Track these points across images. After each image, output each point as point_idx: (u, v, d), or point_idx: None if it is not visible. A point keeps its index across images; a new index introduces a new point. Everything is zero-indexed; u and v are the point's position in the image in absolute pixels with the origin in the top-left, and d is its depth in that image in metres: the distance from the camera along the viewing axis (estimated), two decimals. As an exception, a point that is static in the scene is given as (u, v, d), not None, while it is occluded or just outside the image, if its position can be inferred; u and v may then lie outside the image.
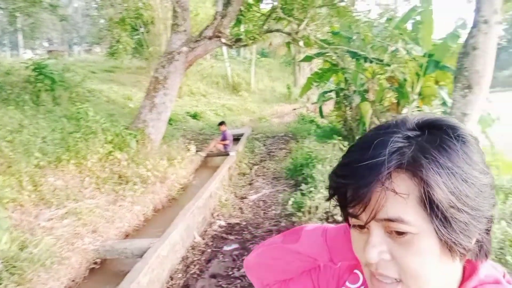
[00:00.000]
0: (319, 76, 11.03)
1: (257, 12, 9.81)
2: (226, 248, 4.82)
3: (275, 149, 10.80)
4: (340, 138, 7.92)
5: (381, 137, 0.53)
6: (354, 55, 8.37)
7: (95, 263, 4.24)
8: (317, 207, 4.81)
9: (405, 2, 18.49)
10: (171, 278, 4.05)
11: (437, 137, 0.51)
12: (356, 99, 8.95)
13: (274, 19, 9.12)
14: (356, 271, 0.74)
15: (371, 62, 8.03)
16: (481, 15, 4.74)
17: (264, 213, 5.95)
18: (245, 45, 8.41)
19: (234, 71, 24.38)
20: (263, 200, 6.52)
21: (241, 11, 8.55)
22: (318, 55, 10.31)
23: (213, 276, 4.12)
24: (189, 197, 6.10)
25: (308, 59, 12.02)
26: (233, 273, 4.14)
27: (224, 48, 20.27)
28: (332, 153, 7.08)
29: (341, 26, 9.60)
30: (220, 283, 3.96)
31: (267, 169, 8.61)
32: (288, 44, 11.11)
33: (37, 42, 31.42)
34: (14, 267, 3.50)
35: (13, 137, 5.50)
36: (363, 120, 9.25)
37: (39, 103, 7.63)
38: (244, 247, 4.79)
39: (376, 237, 0.53)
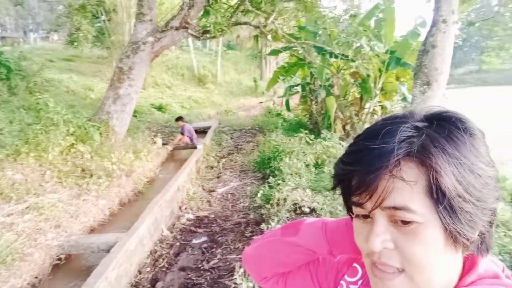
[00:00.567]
0: (286, 70, 11.17)
1: (225, 3, 9.74)
2: (195, 241, 4.82)
3: (243, 142, 10.83)
4: (306, 131, 8.08)
5: (389, 126, 0.53)
6: (320, 50, 8.54)
7: (59, 259, 4.10)
8: (285, 199, 4.91)
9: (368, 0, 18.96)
10: (140, 272, 4.00)
11: (445, 128, 0.52)
12: (322, 94, 9.15)
13: (242, 12, 9.09)
14: (355, 264, 0.74)
15: (336, 57, 8.23)
16: (440, 15, 4.99)
17: (232, 206, 5.99)
18: (213, 37, 8.33)
19: (200, 63, 24.10)
20: (231, 193, 6.55)
21: (208, 2, 8.44)
22: (285, 49, 10.42)
23: (182, 269, 4.12)
24: (156, 190, 6.02)
25: (274, 52, 12.12)
26: (202, 266, 4.15)
27: (190, 39, 19.94)
28: (299, 146, 7.21)
29: (307, 21, 9.75)
30: (190, 275, 3.96)
31: (234, 162, 8.63)
32: (256, 37, 11.13)
33: (-12, 27, 29.44)
34: (-28, 265, 3.33)
35: (-35, 129, 5.19)
36: (328, 114, 9.49)
37: (-7, 93, 7.21)
38: (213, 239, 4.81)
39: (380, 226, 0.53)
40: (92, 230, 4.89)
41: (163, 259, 4.30)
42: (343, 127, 9.46)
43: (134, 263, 4.01)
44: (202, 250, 4.53)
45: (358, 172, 0.53)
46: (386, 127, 0.53)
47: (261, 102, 19.65)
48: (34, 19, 34.38)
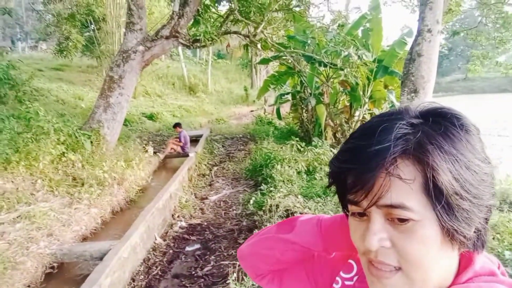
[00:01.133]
0: (276, 79, 11.29)
1: (215, 13, 9.85)
2: (188, 248, 4.83)
3: (234, 150, 10.88)
4: (297, 139, 8.17)
5: (385, 123, 0.53)
6: (309, 59, 8.68)
7: (52, 267, 4.06)
8: (277, 206, 4.96)
9: (355, 10, 19.33)
10: (133, 280, 3.99)
11: (441, 125, 0.51)
12: (312, 102, 9.27)
13: (231, 21, 9.21)
14: (350, 261, 0.73)
15: (325, 66, 8.37)
16: (425, 24, 5.15)
17: (225, 213, 6.01)
18: (203, 46, 8.42)
19: (191, 72, 24.17)
20: (224, 201, 6.58)
21: (198, 11, 8.54)
22: (274, 58, 10.56)
23: (176, 276, 4.13)
24: (148, 199, 6.01)
25: (264, 61, 12.26)
26: (196, 273, 4.16)
27: (180, 48, 20.04)
28: (290, 154, 7.29)
29: (296, 30, 9.92)
30: (184, 282, 3.97)
31: (226, 170, 8.67)
32: (245, 46, 11.25)
33: (-26, 36, 29.13)
34: (-37, 274, 3.29)
35: (-45, 138, 5.13)
36: (319, 121, 9.60)
37: (-18, 102, 7.15)
38: (206, 247, 4.82)
39: (376, 224, 0.53)
40: (84, 239, 4.86)
41: (157, 267, 4.30)
42: (334, 134, 9.58)
43: (128, 271, 4.00)
44: (195, 257, 4.54)
45: (354, 170, 0.53)
46: (382, 124, 0.53)
47: (252, 111, 19.76)
48: (22, 28, 34.13)
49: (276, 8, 9.00)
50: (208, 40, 8.03)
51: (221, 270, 4.14)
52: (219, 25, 8.96)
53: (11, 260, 3.70)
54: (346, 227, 0.61)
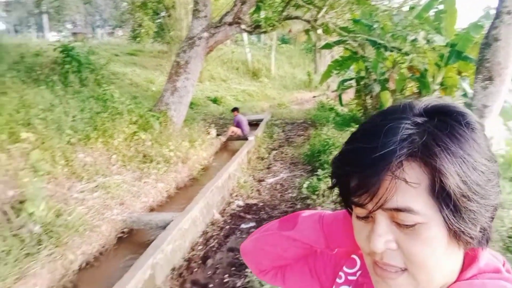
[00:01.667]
0: (339, 64, 11.05)
1: (276, -1, 9.86)
2: (243, 225, 5.08)
3: (294, 135, 10.95)
4: (358, 126, 8.00)
5: (389, 123, 0.51)
6: (374, 43, 8.39)
7: (123, 232, 4.60)
8: (331, 191, 4.99)
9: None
10: (192, 249, 4.35)
11: (447, 124, 0.50)
12: (376, 88, 8.99)
13: (293, 6, 9.16)
14: (353, 256, 0.73)
15: (391, 51, 8.04)
16: (504, 6, 4.74)
17: (280, 195, 6.17)
18: (264, 32, 8.53)
19: (255, 57, 24.41)
20: (280, 184, 6.73)
21: (260, -3, 8.64)
22: (337, 42, 10.32)
23: (231, 250, 4.39)
24: (209, 177, 6.37)
25: (327, 46, 12.03)
26: (249, 248, 4.39)
27: (245, 34, 20.34)
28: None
29: (362, 14, 9.59)
30: (237, 256, 4.22)
31: (285, 154, 8.79)
32: (307, 31, 11.13)
33: (61, 24, 32.09)
34: (51, 231, 3.85)
35: (45, 115, 5.83)
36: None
37: (67, 84, 7.95)
38: (260, 225, 5.02)
39: (382, 226, 0.52)
40: (151, 209, 5.36)
41: (214, 240, 4.61)
42: (398, 122, 9.21)
43: (188, 241, 4.35)
44: (249, 235, 4.76)
45: (358, 173, 0.52)
46: (386, 125, 0.51)
47: (314, 96, 19.52)
48: (101, 16, 36.84)
49: (339, -9, 8.79)
50: (269, 26, 8.11)
51: (273, 248, 4.32)
52: (281, 10, 8.97)
53: (89, 223, 4.24)
54: (349, 224, 0.61)
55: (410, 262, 0.51)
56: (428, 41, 7.29)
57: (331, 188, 0.60)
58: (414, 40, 7.24)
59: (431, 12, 8.57)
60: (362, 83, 10.44)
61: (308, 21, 8.95)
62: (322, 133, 8.45)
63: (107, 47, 18.72)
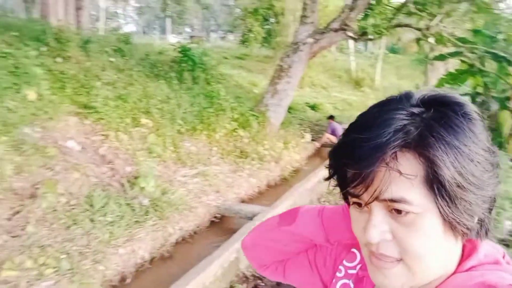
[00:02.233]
0: (453, 78, 10.21)
1: (387, 6, 9.54)
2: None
3: (391, 147, 10.46)
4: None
5: (384, 114, 0.51)
6: (495, 56, 7.62)
7: (215, 217, 5.05)
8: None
9: None
10: (276, 243, 4.54)
11: (443, 115, 0.50)
12: (494, 106, 8.15)
13: (405, 13, 8.78)
14: (353, 250, 0.73)
15: (514, 64, 7.23)
16: None
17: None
18: (370, 39, 8.35)
19: (359, 65, 23.83)
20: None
21: (370, 4, 8.46)
22: (453, 54, 9.57)
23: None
24: (299, 180, 6.52)
25: (441, 58, 11.17)
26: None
27: (351, 41, 20.02)
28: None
29: (485, 24, 8.76)
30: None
31: (380, 166, 8.48)
32: (418, 40, 10.53)
33: (181, 27, 35.55)
34: (157, 205, 4.44)
35: (162, 106, 6.62)
36: (500, 129, 8.36)
37: (182, 80, 8.83)
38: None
39: (377, 217, 0.52)
40: (242, 201, 5.75)
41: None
42: (518, 147, 8.21)
43: (271, 234, 4.56)
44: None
45: (353, 165, 0.51)
46: (381, 115, 0.51)
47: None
48: (216, 21, 39.77)
49: (458, -1, 8.16)
50: (376, 33, 7.93)
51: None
52: (391, 17, 8.68)
53: (188, 204, 4.76)
54: (348, 218, 0.61)
55: (405, 252, 0.51)
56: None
57: (327, 179, 0.59)
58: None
59: None
60: (478, 99, 9.50)
61: (420, 29, 8.51)
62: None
63: (219, 50, 20.11)
